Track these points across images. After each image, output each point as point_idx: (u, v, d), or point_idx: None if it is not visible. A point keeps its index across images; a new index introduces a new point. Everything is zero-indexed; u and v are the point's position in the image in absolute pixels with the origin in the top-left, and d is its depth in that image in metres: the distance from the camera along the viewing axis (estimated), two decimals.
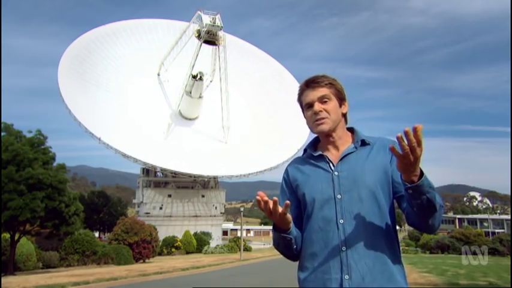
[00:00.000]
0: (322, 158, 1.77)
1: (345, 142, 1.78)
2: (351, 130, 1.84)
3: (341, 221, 1.63)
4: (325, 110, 1.73)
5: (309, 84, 1.78)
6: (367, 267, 1.57)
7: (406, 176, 1.46)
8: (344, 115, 1.80)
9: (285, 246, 1.73)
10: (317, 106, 1.73)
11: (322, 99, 1.74)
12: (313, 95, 1.75)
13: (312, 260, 1.67)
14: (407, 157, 1.39)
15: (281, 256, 1.85)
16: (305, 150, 1.88)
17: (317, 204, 1.68)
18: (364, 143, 1.76)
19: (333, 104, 1.75)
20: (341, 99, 1.78)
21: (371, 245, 1.60)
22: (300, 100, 1.83)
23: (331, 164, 1.73)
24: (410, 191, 1.48)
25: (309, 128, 1.81)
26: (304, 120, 1.83)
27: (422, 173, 1.46)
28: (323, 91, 1.75)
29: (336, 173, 1.70)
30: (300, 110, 1.85)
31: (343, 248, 1.60)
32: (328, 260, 1.61)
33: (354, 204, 1.64)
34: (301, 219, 1.78)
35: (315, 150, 1.81)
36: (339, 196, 1.66)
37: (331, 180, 1.69)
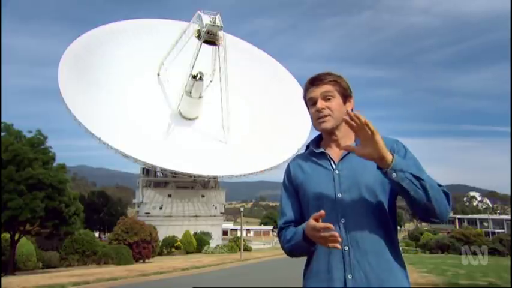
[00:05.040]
0: (323, 155, 1.76)
1: (348, 140, 1.76)
2: None
3: (342, 221, 1.64)
4: (328, 107, 1.72)
5: (313, 81, 1.76)
6: (369, 266, 1.58)
7: (380, 162, 1.52)
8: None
9: (301, 253, 1.75)
10: (320, 103, 1.72)
11: (325, 96, 1.73)
12: (316, 91, 1.74)
13: (315, 260, 1.69)
14: (363, 129, 1.48)
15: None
16: (307, 146, 1.87)
17: (318, 203, 1.68)
18: None
19: (336, 101, 1.73)
20: (346, 97, 1.77)
21: (372, 244, 1.61)
22: (304, 98, 1.81)
23: (332, 162, 1.73)
24: (388, 177, 1.52)
25: (313, 125, 1.80)
26: (306, 119, 1.83)
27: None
28: (326, 87, 1.73)
29: (336, 171, 1.70)
30: (306, 108, 1.84)
31: (345, 248, 1.61)
32: (331, 259, 1.62)
33: (354, 203, 1.64)
34: (302, 219, 1.78)
35: (317, 147, 1.81)
36: (339, 195, 1.66)
37: (331, 178, 1.69)
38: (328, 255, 1.63)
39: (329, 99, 1.72)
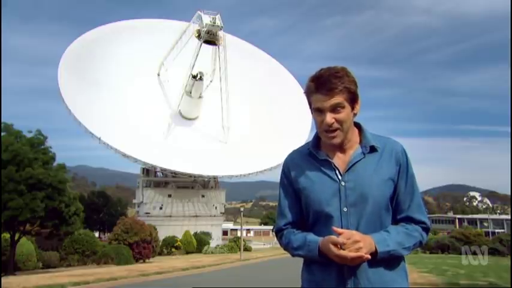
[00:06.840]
0: (328, 163, 1.66)
1: (353, 144, 1.69)
2: (357, 126, 1.73)
3: None
4: (338, 121, 1.59)
5: (321, 88, 1.58)
6: (368, 282, 1.57)
7: None
8: (355, 114, 1.68)
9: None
10: (329, 118, 1.58)
11: (335, 109, 1.59)
12: (326, 103, 1.58)
13: (315, 270, 1.66)
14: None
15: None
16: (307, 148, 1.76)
17: (322, 216, 1.64)
18: (372, 149, 1.67)
19: (346, 111, 1.60)
20: (353, 101, 1.62)
21: (375, 262, 1.57)
22: (307, 98, 1.67)
23: (337, 172, 1.65)
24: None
25: (318, 133, 1.70)
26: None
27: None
28: (336, 99, 1.57)
29: (343, 183, 1.63)
30: (306, 105, 1.73)
31: None
32: (331, 273, 1.60)
33: (359, 219, 1.61)
34: (302, 221, 1.76)
35: (318, 150, 1.71)
36: (345, 209, 1.61)
37: (337, 190, 1.62)
38: (329, 267, 1.59)
39: (338, 110, 1.59)
